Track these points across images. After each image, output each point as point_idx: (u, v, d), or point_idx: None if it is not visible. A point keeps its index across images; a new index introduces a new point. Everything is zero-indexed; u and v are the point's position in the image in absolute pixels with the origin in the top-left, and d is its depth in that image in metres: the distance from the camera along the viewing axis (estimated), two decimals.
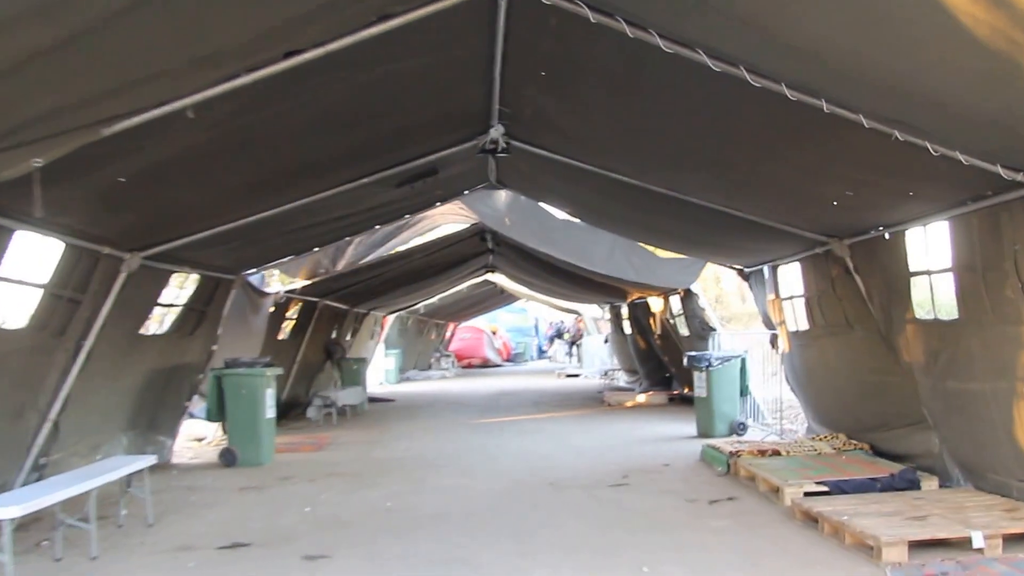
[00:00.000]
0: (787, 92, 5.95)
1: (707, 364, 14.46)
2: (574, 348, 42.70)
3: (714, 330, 16.62)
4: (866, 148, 6.78)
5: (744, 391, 14.69)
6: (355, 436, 15.82)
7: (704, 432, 14.55)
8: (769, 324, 13.80)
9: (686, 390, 20.42)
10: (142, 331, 11.25)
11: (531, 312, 48.89)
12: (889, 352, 10.11)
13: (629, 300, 22.41)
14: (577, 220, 14.16)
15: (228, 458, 12.42)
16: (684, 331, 18.33)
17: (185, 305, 12.31)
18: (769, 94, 6.01)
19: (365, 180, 9.72)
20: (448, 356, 39.39)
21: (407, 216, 13.65)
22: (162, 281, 11.10)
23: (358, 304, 22.74)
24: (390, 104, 7.97)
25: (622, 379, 26.69)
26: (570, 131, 9.15)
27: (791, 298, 12.62)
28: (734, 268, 14.12)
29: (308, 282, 16.01)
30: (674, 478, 10.84)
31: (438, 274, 22.49)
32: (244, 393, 12.44)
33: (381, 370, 30.22)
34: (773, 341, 13.98)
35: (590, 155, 9.61)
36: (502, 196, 13.69)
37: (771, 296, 13.11)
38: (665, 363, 22.08)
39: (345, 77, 6.84)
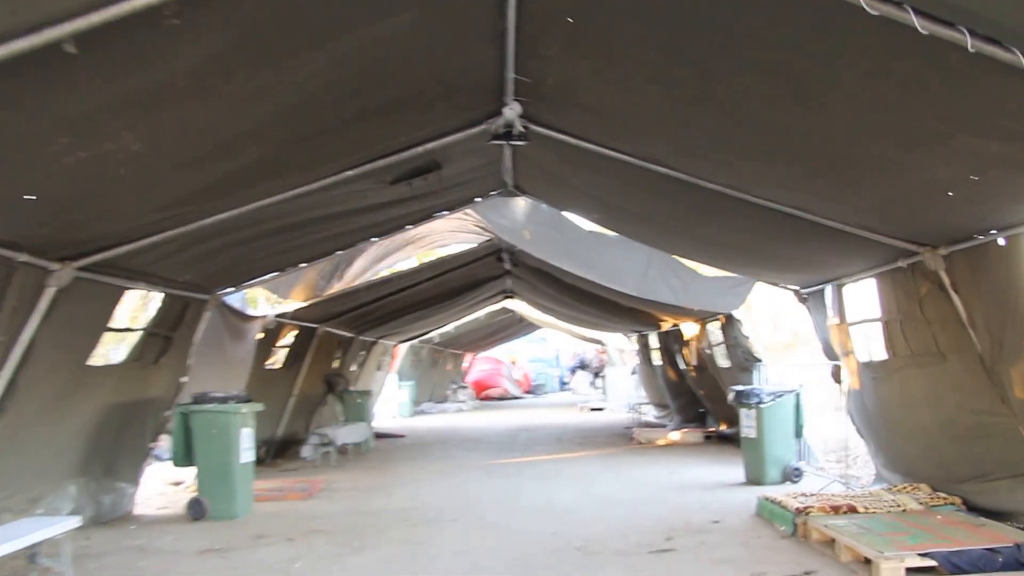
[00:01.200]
0: (915, 21, 4.11)
1: (757, 400, 12.53)
2: (597, 380, 40.77)
3: (759, 361, 14.68)
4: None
5: (799, 431, 12.75)
6: (353, 480, 13.94)
7: (754, 478, 12.60)
8: (831, 354, 11.88)
9: (723, 427, 18.53)
10: (92, 361, 9.44)
11: (552, 342, 46.93)
12: (993, 388, 8.22)
13: (660, 328, 20.48)
14: (608, 232, 12.27)
15: (196, 510, 10.57)
16: (723, 362, 16.40)
17: (146, 330, 10.47)
18: (886, 26, 4.18)
19: (349, 173, 7.89)
20: (465, 388, 37.49)
21: (408, 227, 11.80)
22: (112, 300, 9.28)
23: (364, 331, 20.91)
24: (375, 75, 6.16)
25: (651, 414, 24.71)
26: (605, 108, 7.27)
27: (861, 323, 10.71)
28: (789, 289, 12.21)
29: (302, 304, 14.17)
30: (729, 541, 8.89)
31: (451, 299, 20.66)
32: (215, 433, 10.59)
33: (394, 403, 28.39)
34: (835, 374, 12.05)
35: (630, 140, 7.72)
36: (520, 205, 11.86)
37: (835, 320, 11.19)
38: (700, 397, 20.13)
39: (317, 41, 5.11)
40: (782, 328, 25.92)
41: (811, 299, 11.86)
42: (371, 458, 17.18)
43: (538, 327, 36.23)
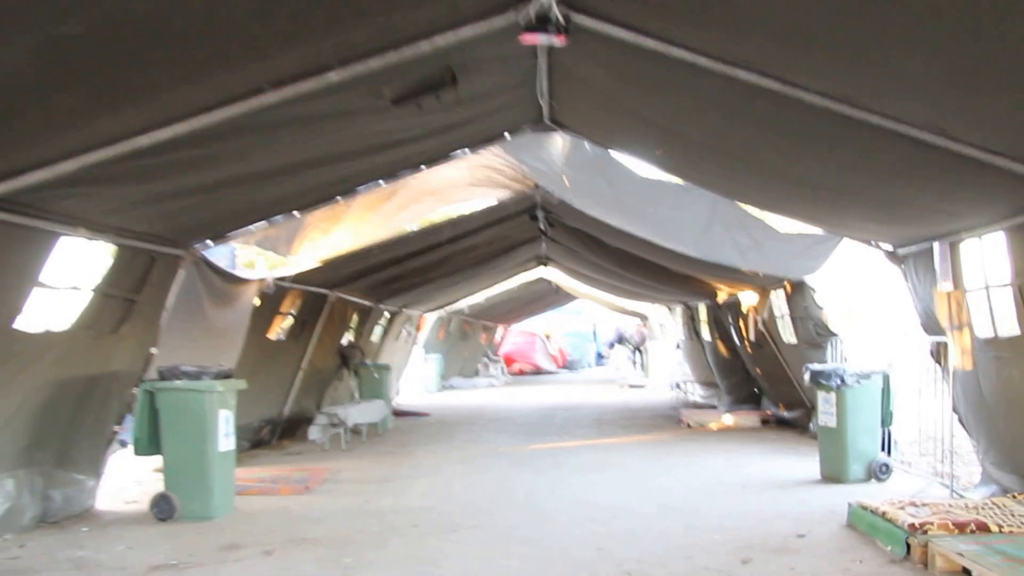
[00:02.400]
0: None
1: (839, 382, 10.51)
2: (637, 355, 38.72)
3: (835, 336, 12.62)
4: None
5: (887, 420, 10.73)
6: (362, 469, 12.08)
7: (832, 475, 10.61)
8: (932, 328, 9.82)
9: (782, 410, 16.52)
10: (18, 326, 7.57)
11: (589, 315, 44.88)
12: None
13: (714, 299, 18.43)
14: (664, 179, 10.18)
15: (163, 509, 8.72)
16: (788, 337, 14.36)
17: (98, 290, 8.57)
18: None
19: (332, 76, 5.90)
20: (497, 362, 35.59)
21: (422, 167, 9.78)
22: (41, 249, 7.39)
23: (385, 300, 19.03)
24: None
25: (696, 393, 22.69)
26: None
27: (984, 289, 8.63)
28: (882, 248, 10.12)
29: (306, 266, 12.25)
30: (824, 566, 6.89)
31: (480, 265, 18.71)
32: (186, 416, 8.75)
33: (420, 377, 26.55)
34: (937, 352, 10.01)
35: (711, 32, 5.68)
36: (558, 145, 9.83)
37: (945, 287, 9.11)
38: (756, 376, 18.10)
39: None
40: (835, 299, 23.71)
41: (910, 260, 9.77)
42: (388, 441, 15.33)
43: (575, 298, 34.24)
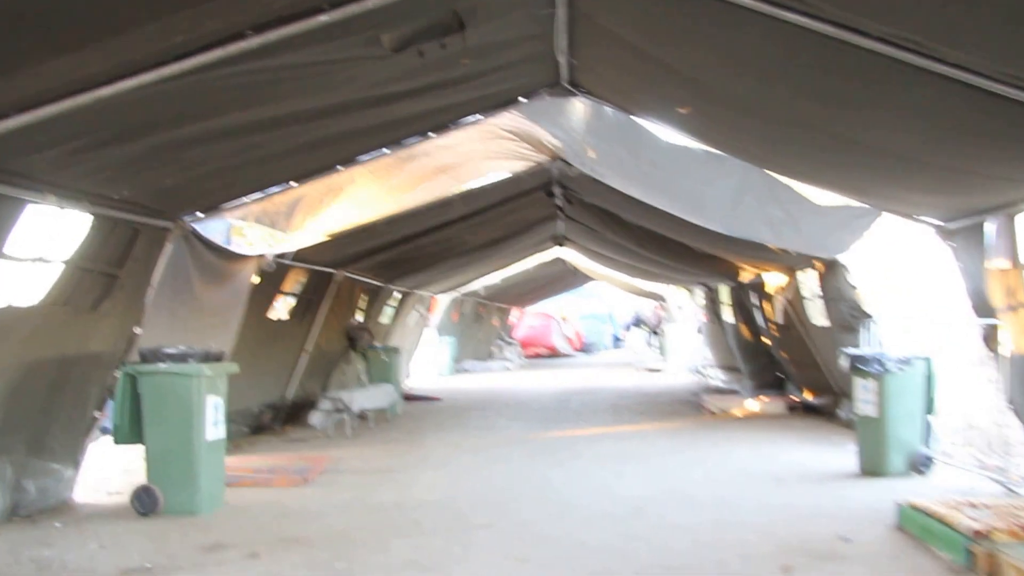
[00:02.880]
0: None
1: (880, 368, 9.70)
2: (654, 339, 37.93)
3: (870, 318, 11.79)
4: None
5: (931, 409, 9.92)
6: (366, 458, 11.34)
7: (871, 468, 9.81)
8: (983, 310, 8.99)
9: (808, 396, 15.72)
10: None
11: (606, 297, 44.07)
12: None
13: (738, 279, 17.60)
14: (692, 146, 9.31)
15: (144, 503, 8.00)
16: (818, 320, 13.54)
17: (71, 263, 7.80)
18: None
19: (323, 18, 5.12)
20: (512, 345, 34.82)
21: (430, 134, 8.99)
22: (5, 216, 6.65)
23: (395, 280, 18.28)
24: None
25: (717, 377, 21.87)
26: None
27: None
28: (930, 223, 9.27)
29: (308, 242, 11.48)
30: None
31: (494, 245, 17.93)
32: (170, 402, 8.02)
33: (432, 360, 25.80)
34: (990, 336, 9.18)
35: None
36: (578, 112, 9.01)
37: (999, 264, 8.29)
38: (781, 361, 17.29)
39: None
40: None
41: (960, 235, 8.94)
42: (396, 427, 14.60)
43: (591, 280, 33.45)
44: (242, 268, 10.84)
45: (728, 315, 20.10)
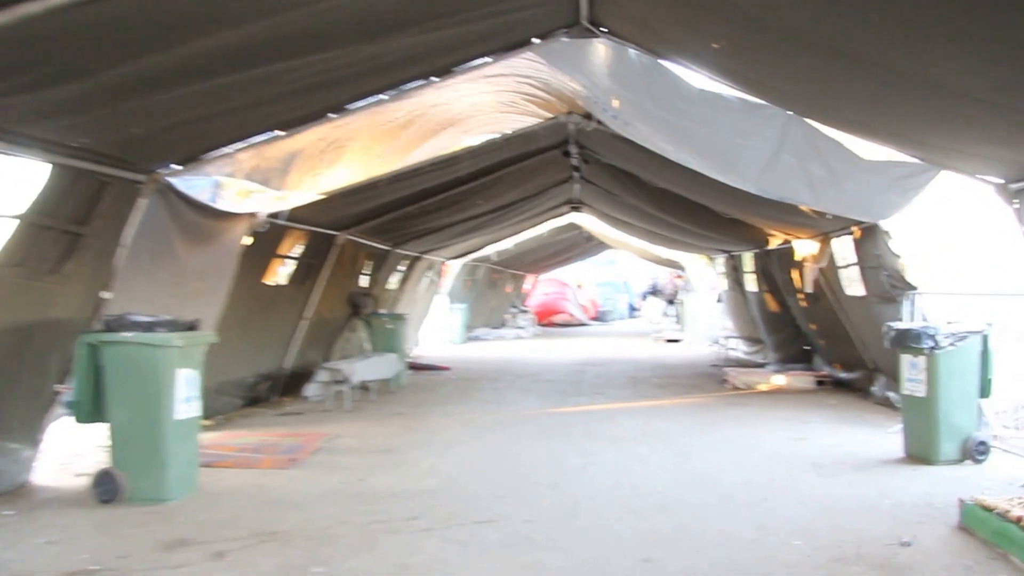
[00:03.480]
0: None
1: (931, 345, 8.69)
2: (671, 308, 36.92)
3: (913, 288, 10.76)
4: None
5: (986, 390, 8.92)
6: (364, 436, 10.42)
7: (920, 453, 8.84)
8: None
9: (838, 370, 14.75)
10: None
11: (622, 265, 42.99)
12: None
13: (766, 246, 16.56)
14: (726, 94, 8.23)
15: (106, 489, 7.10)
16: (853, 290, 12.52)
17: (26, 219, 6.84)
18: None
19: None
20: (526, 312, 33.85)
21: (434, 79, 7.93)
22: None
23: (403, 244, 17.30)
24: None
25: (739, 348, 20.83)
26: None
27: None
28: (990, 182, 8.21)
29: (305, 199, 10.50)
30: None
31: (507, 209, 16.91)
32: (136, 376, 7.09)
33: (443, 328, 24.88)
34: None
35: None
36: (600, 55, 7.96)
37: None
38: (808, 332, 16.28)
39: None
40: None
41: None
42: (400, 400, 13.67)
43: (608, 247, 32.38)
44: (231, 228, 9.88)
45: (751, 284, 19.08)
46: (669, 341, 26.61)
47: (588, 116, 9.97)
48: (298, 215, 11.69)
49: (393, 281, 18.65)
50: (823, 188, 8.54)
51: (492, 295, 31.31)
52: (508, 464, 8.85)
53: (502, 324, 32.03)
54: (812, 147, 8.01)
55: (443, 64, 7.61)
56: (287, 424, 11.24)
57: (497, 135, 10.69)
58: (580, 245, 30.32)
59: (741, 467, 8.59)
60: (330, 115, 7.91)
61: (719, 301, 23.80)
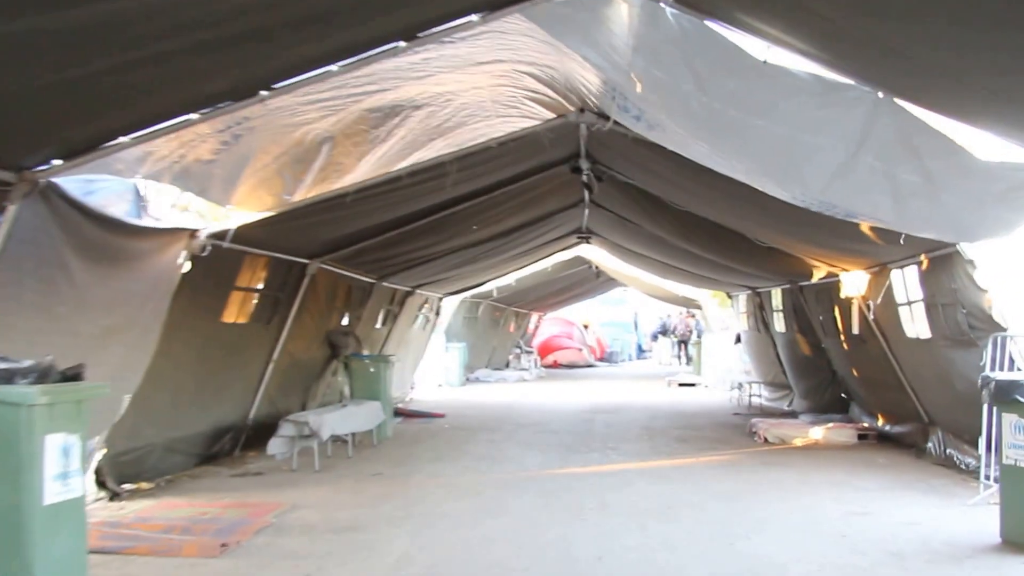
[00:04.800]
0: None
1: None
2: (682, 349, 34.84)
3: (1002, 329, 8.73)
4: None
5: None
6: (328, 506, 8.42)
7: (1019, 537, 6.89)
8: None
9: (881, 422, 12.77)
10: None
11: (631, 304, 40.89)
12: None
13: (797, 281, 14.59)
14: (798, 68, 6.11)
15: None
16: (913, 331, 10.54)
17: None
18: None
19: None
20: (530, 353, 31.77)
21: (401, 43, 5.94)
22: None
23: (389, 276, 15.34)
24: None
25: (762, 394, 18.73)
26: None
27: None
28: None
29: (256, 214, 8.56)
30: None
31: (507, 236, 14.97)
32: None
33: (440, 369, 22.85)
34: None
35: None
36: (622, 17, 6.02)
37: None
38: (847, 379, 14.29)
39: None
40: None
41: None
42: (381, 455, 11.66)
43: (616, 285, 30.35)
44: (158, 248, 7.95)
45: (779, 323, 17.09)
46: (683, 385, 24.52)
47: (604, 115, 8.01)
48: (257, 238, 9.77)
49: (380, 319, 16.68)
50: (912, 200, 6.52)
51: (494, 334, 29.28)
52: (503, 550, 6.83)
53: (505, 365, 30.00)
54: (906, 144, 5.98)
55: (411, 21, 5.61)
56: (239, 489, 9.27)
57: (492, 134, 8.69)
58: (588, 281, 28.32)
59: (802, 558, 6.57)
60: (262, 92, 5.91)
61: (738, 342, 21.80)
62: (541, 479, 9.94)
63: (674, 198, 10.92)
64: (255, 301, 11.25)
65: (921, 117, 5.78)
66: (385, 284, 15.58)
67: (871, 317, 11.58)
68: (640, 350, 41.60)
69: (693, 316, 32.51)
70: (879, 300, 10.88)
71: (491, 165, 9.76)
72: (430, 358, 21.84)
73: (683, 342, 34.94)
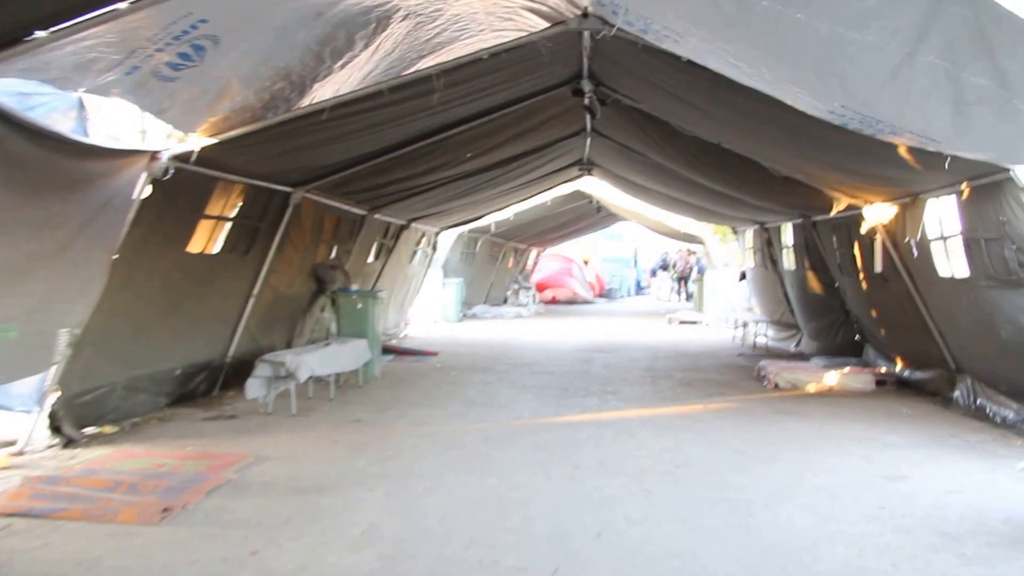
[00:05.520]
0: None
1: None
2: (683, 286, 33.75)
3: None
4: None
5: None
6: (295, 461, 7.36)
7: None
8: None
9: (900, 366, 11.73)
10: None
11: (630, 239, 39.63)
12: None
13: (811, 214, 13.42)
14: None
15: None
16: (952, 269, 9.39)
17: None
18: None
19: None
20: (528, 289, 30.60)
21: None
22: None
23: (382, 207, 14.17)
24: None
25: (767, 334, 17.63)
26: None
27: None
28: None
29: (203, 140, 7.40)
30: None
31: (505, 167, 13.75)
32: None
33: (436, 304, 21.76)
34: None
35: None
36: None
37: None
38: (862, 320, 13.19)
39: None
40: None
41: None
42: (365, 398, 10.62)
43: (616, 220, 29.03)
44: (110, 171, 6.81)
45: (788, 260, 15.96)
46: (684, 323, 23.44)
47: (609, 22, 6.81)
48: (231, 163, 8.66)
49: (373, 252, 15.55)
50: (976, 110, 5.31)
51: (492, 269, 28.11)
52: (483, 524, 5.73)
53: (503, 301, 28.90)
54: (977, 37, 4.79)
55: None
56: (208, 435, 8.26)
57: (483, 52, 7.47)
58: (588, 216, 27.07)
59: (835, 536, 5.51)
60: None
61: (742, 280, 20.68)
62: (534, 429, 8.88)
63: (685, 121, 9.72)
64: (229, 231, 10.11)
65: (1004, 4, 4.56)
66: (377, 216, 14.41)
67: (895, 254, 10.46)
68: (639, 286, 40.49)
69: (694, 253, 31.37)
70: (908, 234, 9.72)
71: (483, 82, 8.54)
72: (426, 293, 20.73)
73: (683, 278, 33.85)
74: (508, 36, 7.42)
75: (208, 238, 9.64)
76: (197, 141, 7.40)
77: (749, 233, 18.90)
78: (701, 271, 29.01)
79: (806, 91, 5.81)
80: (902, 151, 7.25)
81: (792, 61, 5.54)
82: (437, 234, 20.04)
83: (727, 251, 23.66)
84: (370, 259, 15.49)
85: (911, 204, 9.62)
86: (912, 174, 8.31)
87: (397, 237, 16.47)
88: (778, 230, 16.21)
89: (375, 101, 7.75)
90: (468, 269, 24.69)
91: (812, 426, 9.07)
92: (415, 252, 18.32)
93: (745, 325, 18.13)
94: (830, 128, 6.36)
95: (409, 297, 19.02)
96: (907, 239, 9.83)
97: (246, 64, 6.46)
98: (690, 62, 6.68)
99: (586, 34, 7.76)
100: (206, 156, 7.82)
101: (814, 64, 5.43)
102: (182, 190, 8.25)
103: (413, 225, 17.00)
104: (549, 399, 10.69)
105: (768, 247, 17.12)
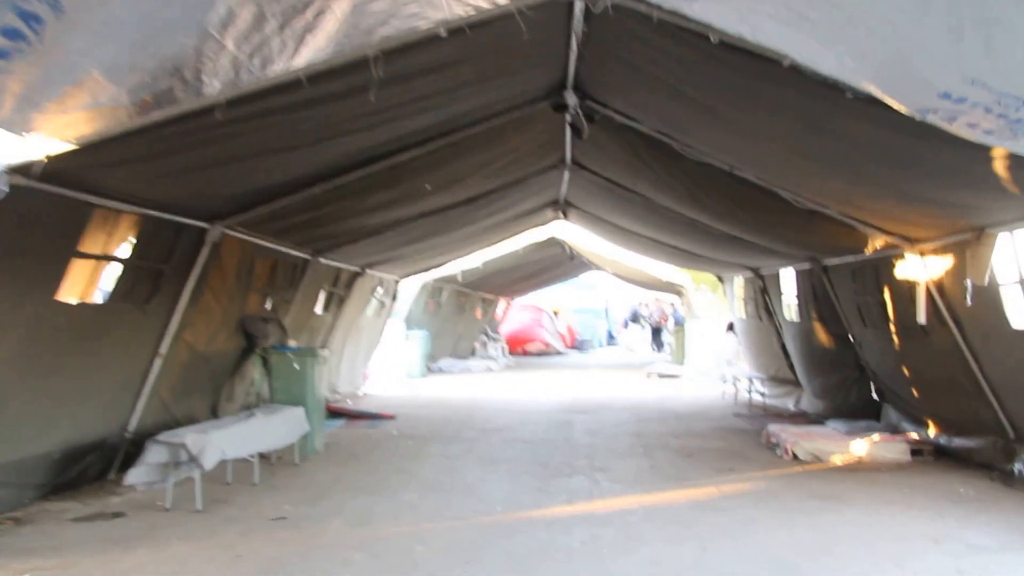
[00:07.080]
0: None
1: None
2: (659, 337, 31.61)
3: None
4: None
5: None
6: None
7: None
8: None
9: (933, 432, 9.61)
10: None
11: (601, 289, 37.46)
12: None
13: (822, 258, 11.27)
14: None
15: None
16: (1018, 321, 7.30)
17: None
18: None
19: None
20: (497, 340, 28.21)
21: None
22: None
23: (328, 250, 11.89)
24: None
25: (761, 391, 15.34)
26: None
27: None
28: None
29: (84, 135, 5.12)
30: None
31: (472, 203, 11.54)
32: None
33: (398, 359, 19.35)
34: None
35: None
36: None
37: None
38: (893, 379, 10.98)
39: None
40: None
41: None
42: (298, 482, 8.27)
43: (588, 269, 26.74)
44: None
45: (789, 310, 13.80)
46: (664, 376, 21.18)
47: None
48: (113, 186, 6.41)
49: (321, 303, 13.23)
50: None
51: (459, 320, 25.76)
52: None
53: (471, 353, 26.54)
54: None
55: None
56: (65, 549, 5.94)
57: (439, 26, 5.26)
58: (560, 265, 24.90)
59: None
60: None
61: (730, 331, 18.53)
62: (509, 529, 6.58)
63: (694, 136, 7.59)
64: (121, 275, 7.79)
65: None
66: (324, 261, 12.12)
67: (941, 301, 8.34)
68: (611, 337, 38.32)
69: (672, 305, 29.21)
70: (971, 276, 7.57)
71: (441, 79, 6.33)
72: (387, 347, 18.37)
73: (657, 330, 31.71)
74: (477, 5, 5.22)
75: (88, 283, 7.32)
76: (41, 145, 5.11)
77: (739, 281, 16.74)
78: (679, 322, 26.81)
79: (889, 73, 3.61)
80: (999, 167, 5.13)
81: (878, 34, 3.36)
82: (397, 282, 17.76)
83: (709, 301, 21.49)
84: (318, 310, 13.17)
85: (974, 240, 7.46)
86: (991, 201, 6.21)
87: (350, 285, 14.18)
88: (776, 277, 14.05)
89: (289, 98, 5.50)
90: (433, 321, 22.37)
91: (864, 519, 6.85)
92: (371, 302, 16.03)
93: (735, 380, 15.90)
94: (913, 136, 4.26)
95: (366, 352, 16.70)
96: (966, 281, 7.67)
97: (109, 49, 4.20)
98: (724, 44, 4.56)
99: (578, 8, 5.58)
100: (65, 171, 5.58)
101: (870, 33, 3.26)
102: (37, 218, 6.01)
103: (369, 272, 14.71)
104: (526, 479, 8.40)
105: (763, 295, 14.94)
